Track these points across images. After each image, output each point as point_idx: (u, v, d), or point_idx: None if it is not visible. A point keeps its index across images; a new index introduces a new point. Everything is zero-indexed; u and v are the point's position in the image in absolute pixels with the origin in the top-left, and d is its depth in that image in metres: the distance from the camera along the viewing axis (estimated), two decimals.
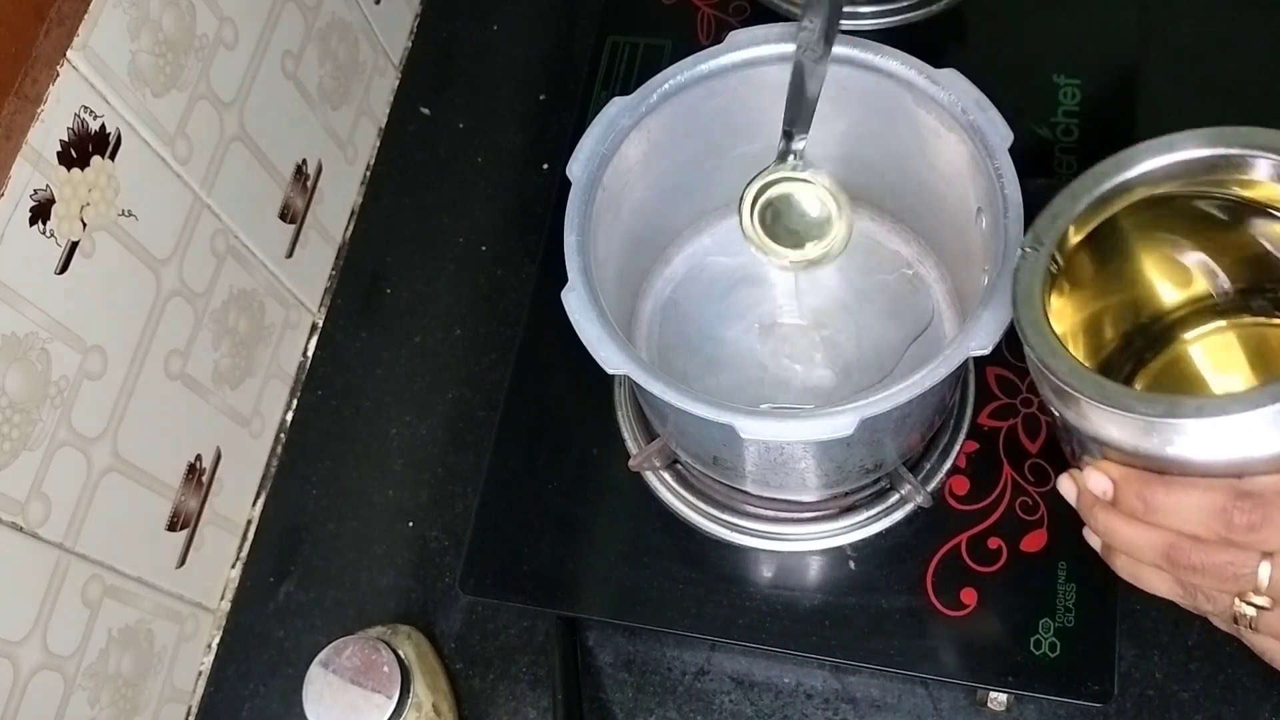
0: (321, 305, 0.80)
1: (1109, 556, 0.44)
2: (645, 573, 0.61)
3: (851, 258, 0.64)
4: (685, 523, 0.62)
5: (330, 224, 0.80)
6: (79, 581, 0.58)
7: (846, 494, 0.60)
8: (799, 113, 0.52)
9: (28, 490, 0.54)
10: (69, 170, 0.54)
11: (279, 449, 0.76)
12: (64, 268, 0.54)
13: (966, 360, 0.47)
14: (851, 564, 0.60)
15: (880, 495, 0.61)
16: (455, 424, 0.74)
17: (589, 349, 0.49)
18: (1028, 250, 0.45)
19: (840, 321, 0.63)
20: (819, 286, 0.64)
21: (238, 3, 0.65)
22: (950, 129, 0.53)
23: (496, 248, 0.79)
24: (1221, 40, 0.77)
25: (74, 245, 0.55)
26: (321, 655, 0.59)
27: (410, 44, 0.88)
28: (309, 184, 0.76)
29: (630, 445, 0.64)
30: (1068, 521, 0.58)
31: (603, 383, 0.66)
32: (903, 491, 0.59)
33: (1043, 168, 0.67)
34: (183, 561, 0.67)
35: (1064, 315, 0.48)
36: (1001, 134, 0.51)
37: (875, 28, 0.73)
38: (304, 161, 0.75)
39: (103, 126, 0.56)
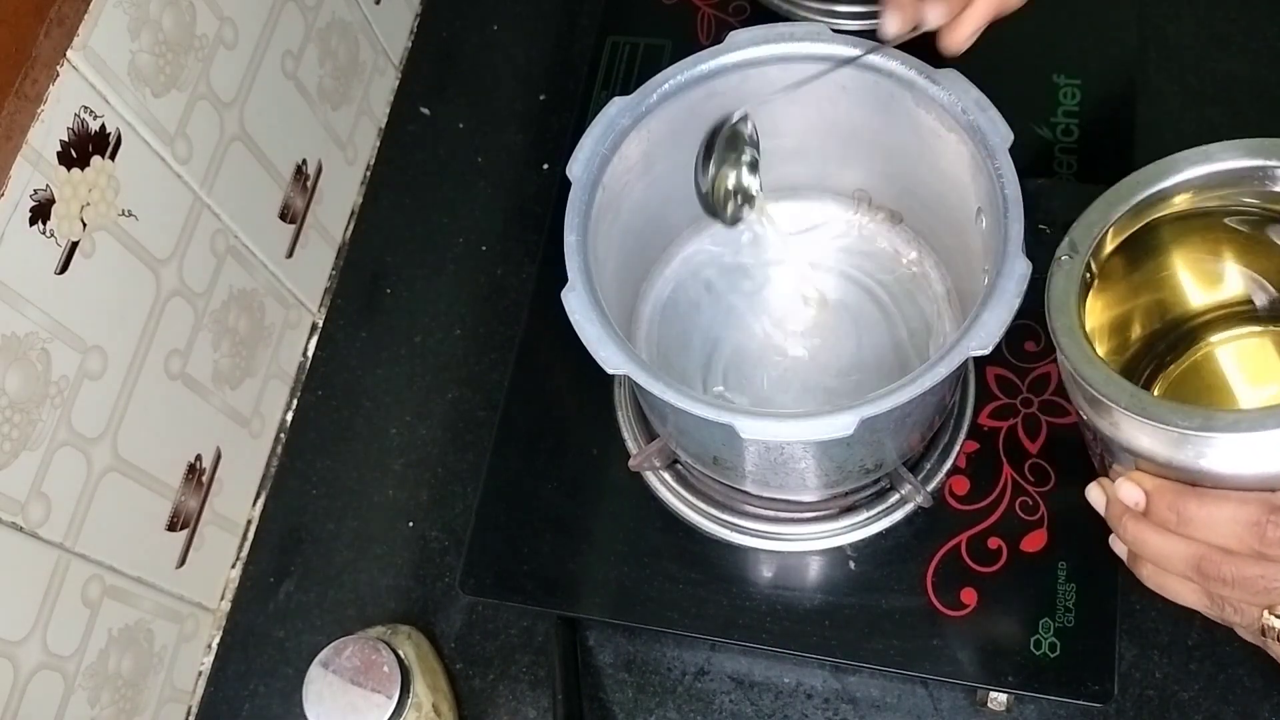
0: (321, 305, 0.80)
1: (1135, 565, 0.44)
2: (645, 573, 0.61)
3: (852, 257, 0.65)
4: (685, 523, 0.62)
5: (330, 224, 0.80)
6: (79, 581, 0.58)
7: (846, 494, 0.60)
8: None
9: (28, 490, 0.54)
10: (69, 170, 0.54)
11: (279, 449, 0.76)
12: (64, 268, 0.54)
13: (966, 360, 0.47)
14: (851, 564, 0.60)
15: (880, 495, 0.61)
16: (455, 424, 0.74)
17: (589, 349, 0.49)
18: (1063, 258, 0.45)
19: (840, 321, 0.63)
20: (819, 286, 0.64)
21: (238, 3, 0.65)
22: (950, 129, 0.53)
23: (496, 248, 0.79)
24: (1221, 40, 0.77)
25: (74, 245, 0.55)
26: (321, 655, 0.59)
27: (410, 44, 0.88)
28: (309, 184, 0.76)
29: (630, 445, 0.64)
30: (1068, 522, 0.59)
31: (603, 383, 0.66)
32: (903, 491, 0.59)
33: (1043, 168, 0.67)
34: (183, 561, 0.67)
35: (1091, 314, 0.48)
36: (1001, 134, 0.51)
37: (875, 28, 0.73)
38: (304, 161, 0.75)
39: (103, 126, 0.56)
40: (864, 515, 0.60)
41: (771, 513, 0.61)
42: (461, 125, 0.84)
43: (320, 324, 0.79)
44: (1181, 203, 0.46)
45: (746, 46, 0.55)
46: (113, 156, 0.57)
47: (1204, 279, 0.51)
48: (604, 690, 0.65)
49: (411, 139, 0.84)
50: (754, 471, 0.55)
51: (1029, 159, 0.67)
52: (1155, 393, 0.51)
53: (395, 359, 0.77)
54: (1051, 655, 0.56)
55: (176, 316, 0.64)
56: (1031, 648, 0.56)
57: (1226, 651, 0.62)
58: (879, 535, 0.60)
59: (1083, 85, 0.70)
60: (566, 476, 0.64)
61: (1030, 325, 0.62)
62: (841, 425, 0.46)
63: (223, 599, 0.71)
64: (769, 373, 0.62)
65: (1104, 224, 0.46)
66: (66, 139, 0.53)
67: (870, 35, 0.55)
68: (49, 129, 0.52)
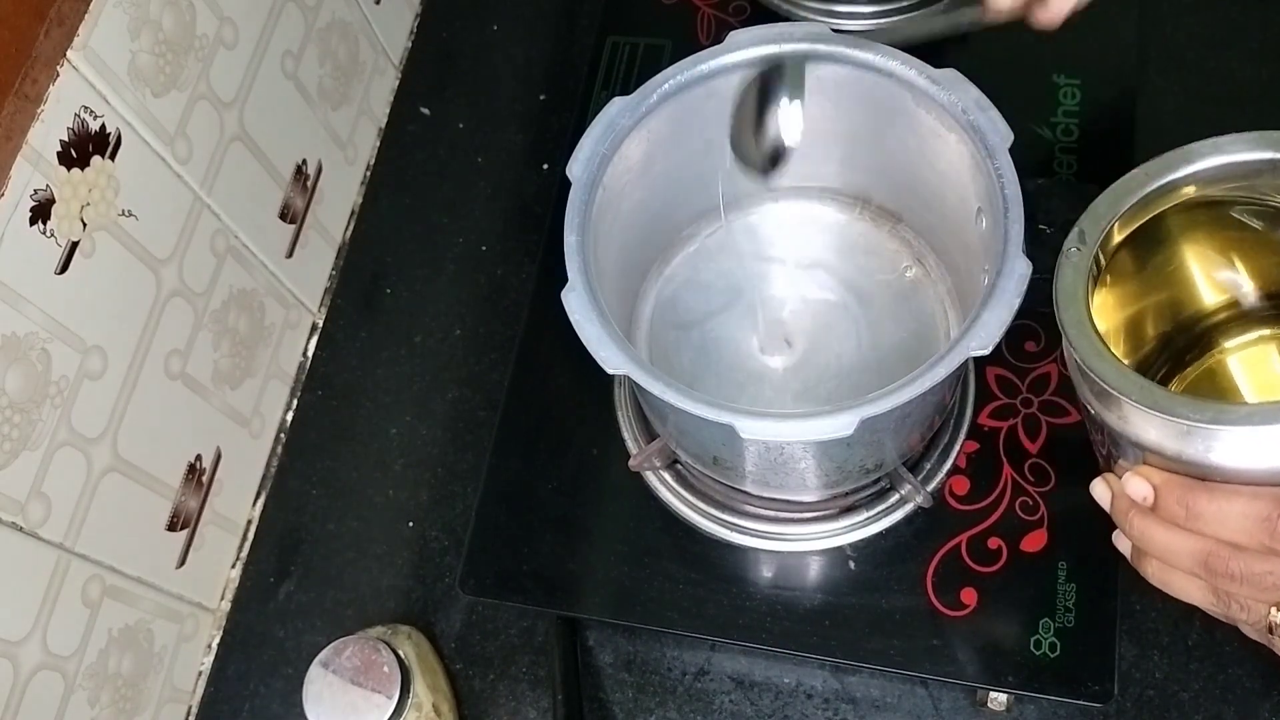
0: (321, 305, 0.80)
1: (1139, 562, 0.44)
2: (645, 573, 0.61)
3: (852, 257, 0.65)
4: (685, 523, 0.62)
5: (330, 224, 0.80)
6: (79, 581, 0.58)
7: (846, 494, 0.60)
8: None
9: (28, 490, 0.54)
10: (69, 170, 0.54)
11: (279, 449, 0.76)
12: (64, 268, 0.54)
13: (966, 360, 0.47)
14: (851, 564, 0.60)
15: (880, 495, 0.61)
16: (455, 424, 0.74)
17: (589, 349, 0.49)
18: (1072, 250, 0.45)
19: (840, 321, 0.63)
20: (819, 286, 0.64)
21: (238, 3, 0.65)
22: (950, 129, 0.53)
23: (496, 248, 0.79)
24: (1221, 40, 0.77)
25: (74, 245, 0.55)
26: (321, 655, 0.59)
27: (410, 44, 0.88)
28: (309, 184, 0.76)
29: (630, 445, 0.64)
30: (1068, 522, 0.58)
31: (603, 383, 0.66)
32: (903, 491, 0.59)
33: (1043, 168, 0.67)
34: (183, 561, 0.67)
35: (1104, 312, 0.47)
36: (1001, 134, 0.51)
37: (875, 28, 0.73)
38: (304, 161, 0.75)
39: (103, 126, 0.56)
40: (864, 515, 0.60)
41: (771, 513, 0.61)
42: (461, 125, 0.84)
43: (320, 324, 0.79)
44: (1191, 195, 0.45)
45: (746, 46, 0.55)
46: (113, 156, 0.57)
47: (1215, 278, 0.51)
48: (604, 690, 0.65)
49: (411, 139, 0.84)
50: (754, 471, 0.55)
51: (1029, 159, 0.67)
52: None
53: (395, 359, 0.77)
54: (1051, 655, 0.56)
55: (176, 316, 0.64)
56: (1031, 648, 0.56)
57: (1226, 651, 0.62)
58: (879, 535, 0.60)
59: (1083, 85, 0.70)
60: (566, 476, 0.64)
61: (1030, 325, 0.62)
62: (841, 425, 0.46)
63: (223, 599, 0.71)
64: (769, 372, 0.62)
65: (1113, 215, 0.45)
66: (66, 139, 0.53)
67: (870, 35, 0.55)
68: (49, 129, 0.52)
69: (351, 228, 0.82)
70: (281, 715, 0.68)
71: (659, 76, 0.55)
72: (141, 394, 0.61)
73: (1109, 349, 0.42)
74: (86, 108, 0.54)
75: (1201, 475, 0.40)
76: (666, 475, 0.63)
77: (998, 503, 0.60)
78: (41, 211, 0.52)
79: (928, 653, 0.57)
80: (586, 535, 0.63)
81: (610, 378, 0.58)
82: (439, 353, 0.76)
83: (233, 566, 0.72)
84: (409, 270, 0.79)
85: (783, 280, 0.64)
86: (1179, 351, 0.51)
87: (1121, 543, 0.45)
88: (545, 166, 0.81)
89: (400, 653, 0.60)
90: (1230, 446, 0.39)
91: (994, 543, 0.59)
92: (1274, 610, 0.40)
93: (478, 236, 0.80)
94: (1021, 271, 0.47)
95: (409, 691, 0.59)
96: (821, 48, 0.55)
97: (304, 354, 0.78)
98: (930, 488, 0.60)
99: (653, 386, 0.48)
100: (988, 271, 0.50)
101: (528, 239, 0.79)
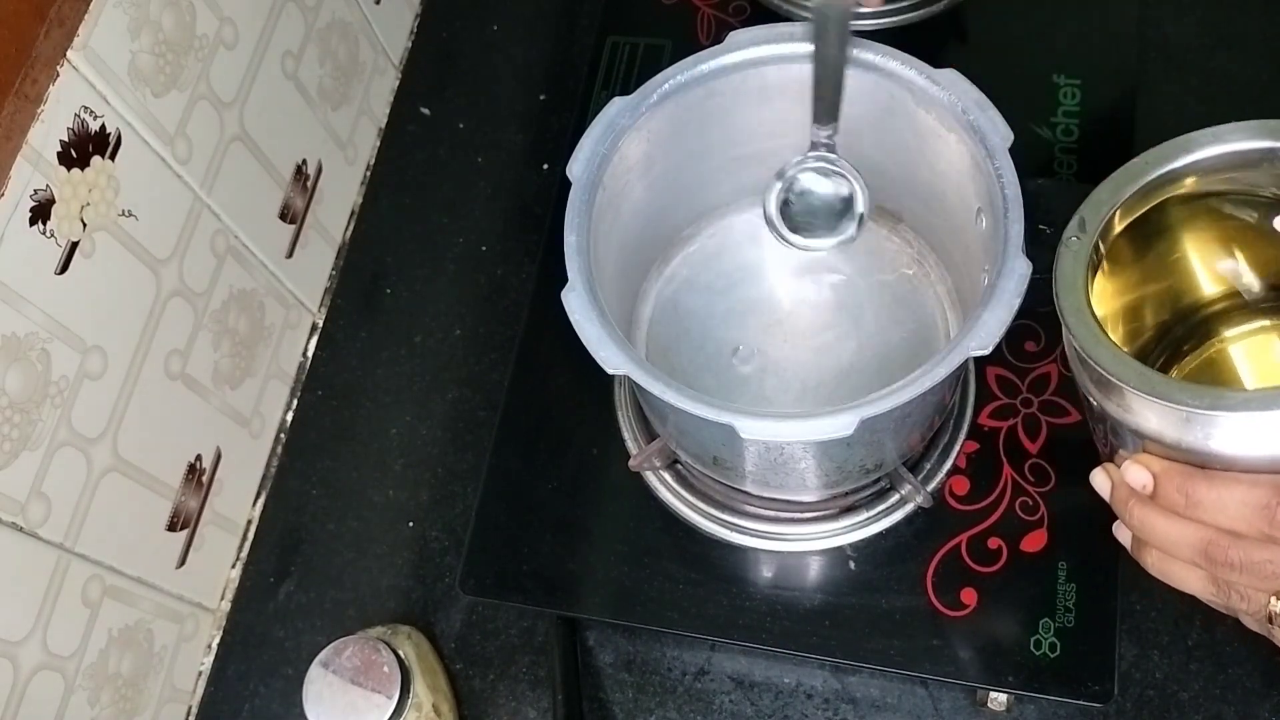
0: (321, 305, 0.80)
1: (1139, 552, 0.44)
2: (645, 573, 0.61)
3: (852, 257, 0.65)
4: (685, 523, 0.62)
5: (330, 224, 0.80)
6: (79, 581, 0.58)
7: (846, 494, 0.60)
8: (822, 102, 0.52)
9: (28, 490, 0.54)
10: (69, 170, 0.54)
11: (279, 449, 0.76)
12: (64, 268, 0.54)
13: (966, 360, 0.47)
14: (851, 564, 0.60)
15: (880, 495, 0.61)
16: (455, 424, 0.74)
17: (589, 349, 0.49)
18: (1072, 238, 0.45)
19: (840, 321, 0.63)
20: (819, 286, 0.64)
21: (238, 3, 0.65)
22: (950, 129, 0.53)
23: (496, 248, 0.79)
24: (1221, 40, 0.77)
25: (74, 245, 0.55)
26: (321, 655, 0.59)
27: (410, 44, 0.88)
28: (309, 184, 0.76)
29: (630, 445, 0.64)
30: (1068, 522, 0.59)
31: (603, 383, 0.66)
32: (903, 491, 0.59)
33: (1043, 168, 0.67)
34: (183, 561, 0.67)
35: (1103, 300, 0.47)
36: (1001, 134, 0.51)
37: (875, 28, 0.73)
38: (304, 161, 0.75)
39: (103, 126, 0.56)
40: (864, 515, 0.60)
41: (771, 513, 0.61)
42: (461, 125, 0.84)
43: (320, 324, 0.79)
44: (1191, 184, 0.45)
45: (746, 46, 0.55)
46: (113, 156, 0.57)
47: (1214, 268, 0.51)
48: (604, 690, 0.65)
49: (411, 139, 0.84)
50: (754, 471, 0.55)
51: (1029, 159, 0.67)
52: None
53: (395, 359, 0.77)
54: (1051, 655, 0.56)
55: (176, 316, 0.64)
56: (1031, 648, 0.56)
57: (1226, 651, 0.62)
58: (879, 535, 0.60)
59: (1083, 85, 0.70)
60: (566, 476, 0.64)
61: (1030, 325, 0.62)
62: (841, 425, 0.46)
63: (223, 599, 0.71)
64: (769, 372, 0.62)
65: (1113, 203, 0.45)
66: (66, 139, 0.53)
67: (870, 35, 0.55)
68: (49, 129, 0.52)
69: (351, 228, 0.82)
70: (281, 715, 0.68)
71: (659, 76, 0.55)
72: (141, 394, 0.61)
73: (1108, 336, 0.42)
74: (86, 108, 0.54)
75: (1201, 463, 0.40)
76: (666, 475, 0.63)
77: (998, 503, 0.60)
78: (41, 211, 0.52)
79: (928, 653, 0.57)
80: (586, 535, 0.63)
81: (610, 378, 0.58)
82: (439, 353, 0.76)
83: (233, 566, 0.72)
84: (409, 270, 0.79)
85: (783, 280, 0.64)
86: (1177, 341, 0.51)
87: (1121, 533, 0.45)
88: (545, 166, 0.81)
89: (400, 653, 0.60)
90: (1229, 433, 0.39)
91: (994, 543, 0.59)
92: (1274, 599, 0.39)
93: (478, 236, 0.80)
94: (1021, 271, 0.47)
95: (409, 691, 0.59)
96: None
97: (304, 354, 0.78)
98: (930, 488, 0.60)
99: (653, 386, 0.48)
100: (988, 271, 0.50)
101: (528, 239, 0.79)
